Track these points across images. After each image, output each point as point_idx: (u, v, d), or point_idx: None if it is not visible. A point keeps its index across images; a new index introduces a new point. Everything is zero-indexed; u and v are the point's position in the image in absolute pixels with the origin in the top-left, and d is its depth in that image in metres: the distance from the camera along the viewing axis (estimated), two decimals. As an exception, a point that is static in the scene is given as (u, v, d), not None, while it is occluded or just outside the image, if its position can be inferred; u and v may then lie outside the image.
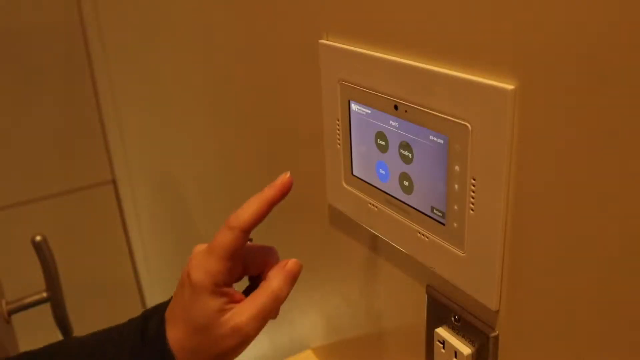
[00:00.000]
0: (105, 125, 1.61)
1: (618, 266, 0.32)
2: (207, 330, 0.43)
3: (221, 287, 0.43)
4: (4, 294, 1.24)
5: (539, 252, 0.37)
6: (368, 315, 0.62)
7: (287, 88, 0.64)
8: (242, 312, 0.43)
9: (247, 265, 0.46)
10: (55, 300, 1.01)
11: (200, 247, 0.45)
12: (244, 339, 0.43)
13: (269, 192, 0.44)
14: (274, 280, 0.44)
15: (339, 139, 0.54)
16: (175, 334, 0.44)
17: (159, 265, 1.57)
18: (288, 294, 0.45)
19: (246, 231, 0.43)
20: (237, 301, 0.44)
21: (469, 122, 0.38)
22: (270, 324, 0.45)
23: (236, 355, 0.44)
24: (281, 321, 0.83)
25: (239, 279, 0.46)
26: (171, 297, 0.48)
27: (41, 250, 0.97)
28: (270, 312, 0.44)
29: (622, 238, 0.31)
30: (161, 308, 0.47)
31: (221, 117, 0.85)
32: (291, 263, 0.46)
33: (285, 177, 0.44)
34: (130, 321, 0.48)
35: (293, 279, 0.45)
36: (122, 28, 1.25)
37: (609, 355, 0.34)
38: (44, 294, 1.00)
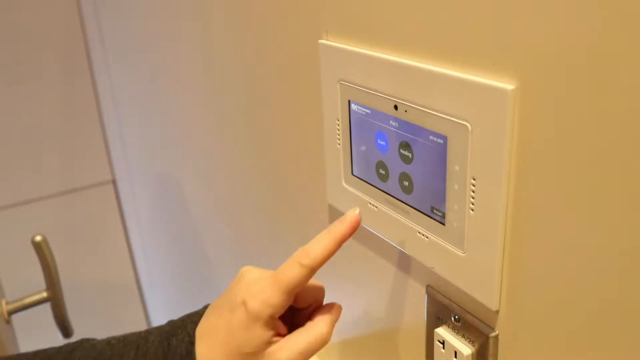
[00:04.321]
0: (105, 125, 1.61)
1: (618, 266, 0.32)
2: (248, 358, 0.43)
3: (274, 319, 0.43)
4: (4, 294, 1.24)
5: (539, 252, 0.37)
6: (368, 315, 0.62)
7: (287, 88, 0.64)
8: (288, 348, 0.43)
9: (297, 298, 0.46)
10: (55, 300, 1.01)
11: (254, 271, 0.45)
12: None
13: (340, 229, 0.43)
14: (323, 325, 0.44)
15: (339, 139, 0.54)
16: (210, 355, 0.44)
17: (159, 265, 1.57)
18: (330, 338, 0.45)
19: (315, 270, 0.43)
20: (282, 334, 0.44)
21: (469, 122, 0.38)
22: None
23: None
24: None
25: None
26: (198, 313, 0.47)
27: (41, 250, 0.97)
28: (313, 353, 0.44)
29: (622, 238, 0.31)
30: (189, 324, 0.46)
31: (221, 116, 0.85)
32: (337, 309, 0.46)
33: (354, 213, 0.44)
34: (148, 334, 0.47)
35: (336, 322, 0.46)
36: (122, 28, 1.25)
37: (609, 355, 0.34)
38: (44, 294, 1.00)
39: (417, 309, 0.52)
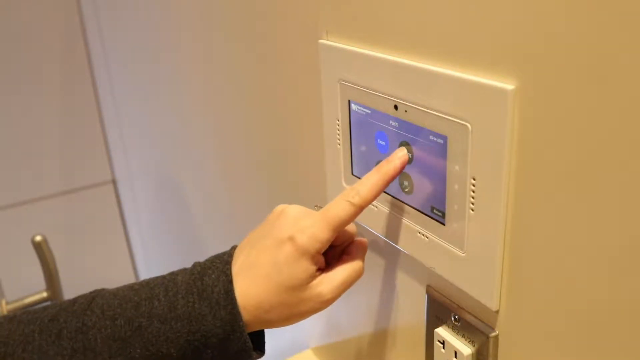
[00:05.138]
0: (105, 125, 1.61)
1: (618, 266, 0.32)
2: (293, 291, 0.44)
3: (319, 255, 0.44)
4: (4, 294, 1.24)
5: (538, 252, 0.37)
6: (368, 315, 0.62)
7: (287, 88, 0.64)
8: (330, 281, 0.44)
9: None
10: (55, 300, 1.01)
11: (297, 209, 0.46)
12: (321, 306, 0.45)
13: (388, 168, 0.44)
14: (359, 259, 0.47)
15: (339, 139, 0.54)
16: (252, 290, 0.44)
17: (159, 265, 1.57)
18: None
19: (363, 208, 0.44)
20: (321, 269, 0.45)
21: (469, 122, 0.38)
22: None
23: (302, 320, 0.46)
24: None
25: None
26: (227, 252, 0.47)
27: (41, 250, 0.97)
28: (350, 285, 0.46)
29: (622, 237, 0.31)
30: (220, 263, 0.46)
31: (221, 117, 0.85)
32: (365, 243, 0.49)
33: (402, 152, 0.45)
34: (174, 275, 0.46)
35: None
36: (122, 28, 1.25)
37: (609, 355, 0.34)
38: (44, 294, 1.00)
39: (417, 309, 0.52)
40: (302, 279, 0.43)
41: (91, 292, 0.48)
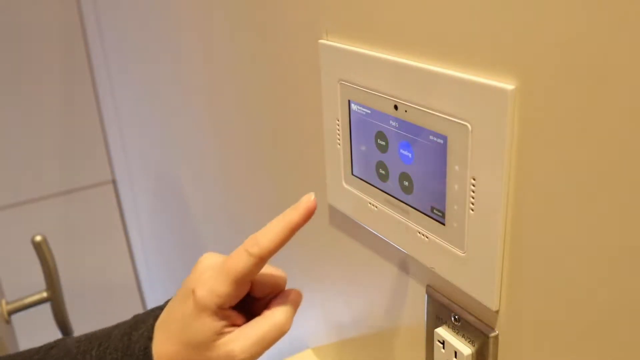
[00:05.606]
0: (105, 125, 1.61)
1: (618, 266, 0.32)
2: (200, 350, 0.41)
3: (224, 309, 0.41)
4: (4, 294, 1.24)
5: (539, 252, 0.37)
6: (368, 315, 0.61)
7: (287, 88, 0.64)
8: (240, 339, 0.41)
9: (253, 287, 0.44)
10: (55, 300, 1.01)
11: (210, 258, 0.43)
12: None
13: (293, 216, 0.41)
14: (280, 313, 0.42)
15: (339, 139, 0.54)
16: (165, 348, 0.42)
17: (159, 265, 1.57)
18: (290, 326, 0.43)
19: (265, 259, 0.41)
20: (237, 324, 0.42)
21: (469, 122, 0.38)
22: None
23: None
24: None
25: (240, 299, 0.44)
26: (165, 303, 0.45)
27: (41, 250, 0.97)
28: (270, 344, 0.42)
29: (622, 237, 0.31)
30: (151, 317, 0.45)
31: (221, 117, 0.85)
32: (295, 294, 0.44)
33: (309, 199, 0.41)
34: (114, 328, 0.46)
35: (296, 310, 0.44)
36: (122, 28, 1.25)
37: (609, 355, 0.34)
38: (44, 294, 1.00)
39: (417, 309, 0.52)
40: (207, 337, 0.41)
41: (55, 341, 0.47)
